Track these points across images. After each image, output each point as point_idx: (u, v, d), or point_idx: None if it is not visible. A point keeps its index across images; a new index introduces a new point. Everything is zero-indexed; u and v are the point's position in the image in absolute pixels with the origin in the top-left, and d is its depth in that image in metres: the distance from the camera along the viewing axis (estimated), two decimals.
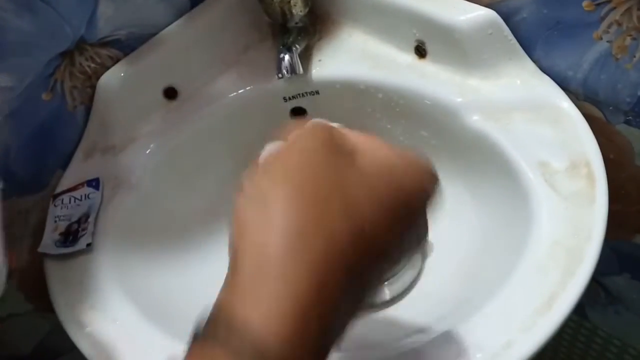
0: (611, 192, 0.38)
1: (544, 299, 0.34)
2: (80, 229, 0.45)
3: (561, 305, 0.33)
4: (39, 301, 0.56)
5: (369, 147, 0.25)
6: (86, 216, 0.46)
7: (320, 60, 0.52)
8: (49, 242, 0.45)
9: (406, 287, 0.46)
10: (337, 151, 0.24)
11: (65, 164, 0.51)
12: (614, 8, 0.39)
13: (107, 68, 0.51)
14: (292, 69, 0.48)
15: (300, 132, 0.24)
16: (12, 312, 0.55)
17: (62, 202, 0.48)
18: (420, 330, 0.39)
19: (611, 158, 0.46)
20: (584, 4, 0.40)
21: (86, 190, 0.48)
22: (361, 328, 0.45)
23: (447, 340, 0.33)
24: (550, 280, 0.34)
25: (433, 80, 0.47)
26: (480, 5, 0.45)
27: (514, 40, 0.45)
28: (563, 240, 0.36)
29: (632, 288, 0.57)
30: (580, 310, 0.65)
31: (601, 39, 0.41)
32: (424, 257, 0.48)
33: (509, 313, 0.34)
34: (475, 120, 0.44)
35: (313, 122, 0.24)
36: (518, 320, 0.33)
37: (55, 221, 0.46)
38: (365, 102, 0.51)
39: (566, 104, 0.43)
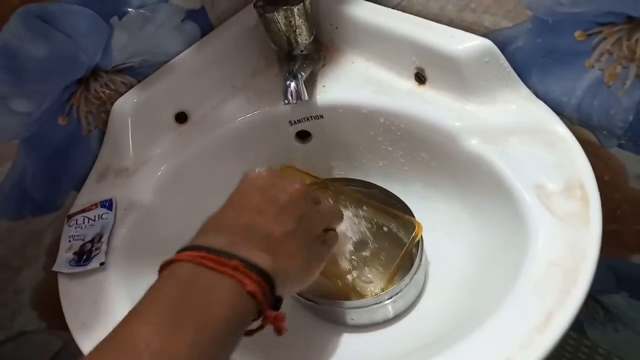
0: (607, 213, 0.39)
1: (542, 317, 0.35)
2: (93, 249, 0.46)
3: (558, 324, 0.34)
4: (52, 319, 0.57)
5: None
6: (99, 236, 0.47)
7: (324, 86, 0.54)
8: (63, 261, 0.46)
9: (408, 306, 0.47)
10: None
11: (79, 185, 0.53)
12: (605, 38, 0.41)
13: (121, 94, 0.53)
14: (298, 96, 0.50)
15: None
16: (24, 329, 0.56)
17: (76, 222, 0.49)
18: (422, 347, 0.40)
19: (606, 180, 0.47)
20: (576, 34, 0.42)
21: (100, 210, 0.49)
22: (365, 345, 0.46)
23: (448, 357, 0.34)
24: (547, 299, 0.35)
25: (432, 106, 0.49)
26: (477, 34, 0.47)
27: (510, 68, 0.47)
28: (559, 260, 0.37)
29: (630, 306, 0.58)
30: (579, 327, 0.66)
31: (593, 67, 0.43)
32: (426, 276, 0.49)
33: (508, 331, 0.35)
34: (474, 143, 0.45)
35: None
36: (517, 338, 0.34)
37: (70, 241, 0.48)
38: (368, 125, 0.53)
39: (561, 128, 0.44)
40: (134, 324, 0.28)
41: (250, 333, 0.32)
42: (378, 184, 0.53)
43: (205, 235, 0.34)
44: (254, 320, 0.31)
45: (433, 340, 0.40)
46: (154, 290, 0.30)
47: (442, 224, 0.51)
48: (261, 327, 0.32)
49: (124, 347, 0.27)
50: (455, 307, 0.44)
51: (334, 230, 0.42)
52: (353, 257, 0.49)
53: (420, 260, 0.45)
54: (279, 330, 0.32)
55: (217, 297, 0.29)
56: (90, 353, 0.27)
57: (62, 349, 0.59)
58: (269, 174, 0.38)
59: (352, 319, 0.46)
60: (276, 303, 0.32)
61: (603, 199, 0.40)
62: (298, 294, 0.46)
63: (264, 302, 0.31)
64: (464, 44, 0.46)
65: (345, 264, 0.49)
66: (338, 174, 0.60)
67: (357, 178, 0.55)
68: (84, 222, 0.49)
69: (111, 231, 0.47)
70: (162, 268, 0.32)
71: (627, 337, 0.61)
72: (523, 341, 0.34)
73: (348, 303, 0.45)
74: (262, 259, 0.31)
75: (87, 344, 0.41)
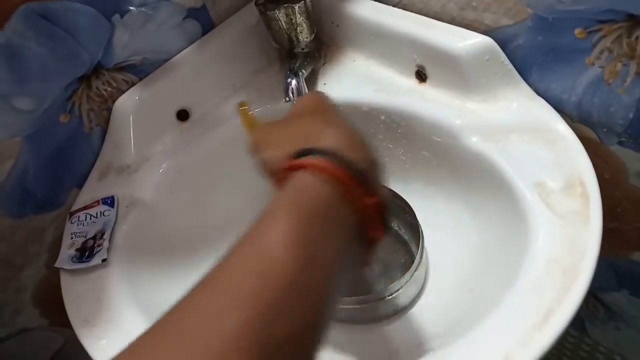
0: (607, 210, 0.39)
1: (540, 315, 0.35)
2: (95, 245, 0.47)
3: (557, 321, 0.34)
4: (54, 316, 0.57)
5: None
6: (101, 233, 0.47)
7: (325, 84, 0.55)
8: (65, 257, 0.47)
9: (408, 302, 0.47)
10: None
11: (81, 183, 0.53)
12: (605, 36, 0.41)
13: (123, 91, 0.53)
14: (299, 93, 0.50)
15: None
16: (26, 326, 0.56)
17: (78, 219, 0.49)
18: (422, 344, 0.40)
19: (606, 178, 0.47)
20: (577, 31, 0.42)
21: (101, 207, 0.49)
22: (364, 342, 0.46)
23: (447, 354, 0.34)
24: (546, 297, 0.35)
25: (433, 103, 0.49)
26: (478, 32, 0.47)
27: (511, 66, 0.47)
28: (559, 258, 0.37)
29: (631, 304, 0.58)
30: (580, 326, 0.66)
31: (593, 64, 0.43)
32: (427, 273, 0.49)
33: (507, 328, 0.35)
34: (475, 141, 0.45)
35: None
36: (516, 335, 0.34)
37: (72, 237, 0.48)
38: (368, 123, 0.53)
39: (561, 126, 0.44)
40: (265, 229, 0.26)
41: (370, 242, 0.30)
42: None
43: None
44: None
45: (433, 337, 0.40)
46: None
47: (442, 222, 0.51)
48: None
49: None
50: (455, 304, 0.44)
51: None
52: None
53: (421, 257, 0.46)
54: (380, 231, 0.30)
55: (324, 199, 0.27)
56: (233, 253, 0.25)
57: (63, 346, 0.60)
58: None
59: (352, 315, 0.46)
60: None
61: (603, 197, 0.40)
62: None
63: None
64: (465, 41, 0.46)
65: None
66: None
67: None
68: (86, 219, 0.49)
69: (113, 228, 0.48)
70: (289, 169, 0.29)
71: (628, 335, 0.61)
72: (522, 339, 0.34)
73: (348, 299, 0.45)
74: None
75: (89, 340, 0.41)
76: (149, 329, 0.23)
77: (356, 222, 0.28)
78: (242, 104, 0.49)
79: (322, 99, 0.38)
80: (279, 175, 0.30)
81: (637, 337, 0.61)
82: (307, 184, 0.28)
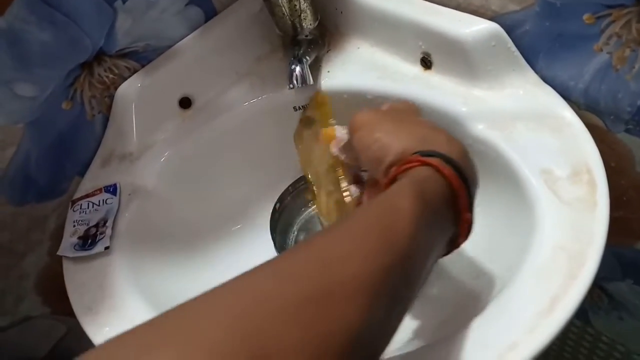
0: (613, 199, 0.39)
1: (547, 301, 0.34)
2: (98, 233, 0.46)
3: (563, 308, 0.34)
4: (56, 304, 0.57)
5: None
6: (104, 220, 0.47)
7: (329, 72, 0.54)
8: (67, 245, 0.46)
9: None
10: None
11: (83, 170, 0.53)
12: (614, 21, 0.40)
13: (125, 78, 0.53)
14: (303, 80, 0.50)
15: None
16: (29, 314, 0.56)
17: (81, 207, 0.49)
18: (427, 331, 0.40)
19: (612, 166, 0.47)
20: (585, 17, 0.41)
21: (104, 195, 0.49)
22: None
23: (453, 340, 0.34)
24: (552, 284, 0.35)
25: (439, 91, 0.48)
26: (484, 18, 0.46)
27: (517, 52, 0.46)
28: (565, 245, 0.37)
29: (635, 294, 0.58)
30: (583, 315, 0.66)
31: (601, 50, 0.42)
32: None
33: (513, 315, 0.35)
34: (480, 129, 0.45)
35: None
36: (522, 322, 0.34)
37: (74, 225, 0.48)
38: None
39: (568, 113, 0.44)
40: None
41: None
42: None
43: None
44: None
45: (438, 324, 0.40)
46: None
47: None
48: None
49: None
50: (460, 291, 0.44)
51: None
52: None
53: None
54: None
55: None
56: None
57: (66, 334, 0.60)
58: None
59: None
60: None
61: (609, 185, 0.39)
62: None
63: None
64: (471, 27, 0.45)
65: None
66: None
67: None
68: (88, 207, 0.49)
69: (116, 216, 0.48)
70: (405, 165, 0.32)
71: (631, 325, 0.61)
72: (528, 326, 0.34)
73: None
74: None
75: (92, 328, 0.41)
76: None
77: (453, 229, 0.31)
78: (321, 96, 0.51)
79: (417, 109, 0.40)
80: (399, 165, 0.32)
81: None
82: (429, 179, 0.30)
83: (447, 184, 0.30)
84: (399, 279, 0.25)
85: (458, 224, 0.31)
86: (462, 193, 0.31)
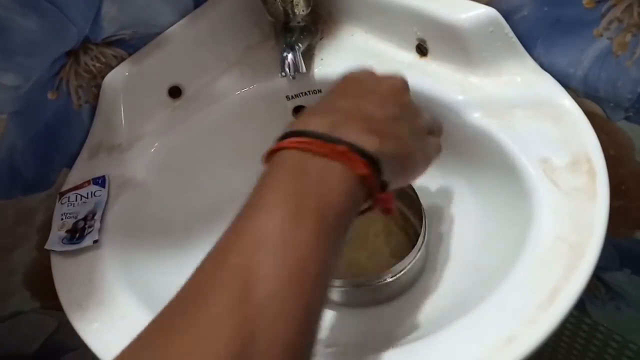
0: (612, 188, 0.38)
1: (546, 293, 0.34)
2: (86, 226, 0.45)
3: (563, 300, 0.34)
4: (45, 299, 0.56)
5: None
6: (93, 213, 0.46)
7: (322, 59, 0.53)
8: (55, 239, 0.45)
9: (411, 281, 0.46)
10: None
11: (71, 162, 0.52)
12: (615, 5, 0.39)
13: (112, 67, 0.51)
14: (295, 68, 0.49)
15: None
16: (18, 309, 0.55)
17: (69, 200, 0.48)
18: (425, 323, 0.40)
19: (611, 154, 0.46)
20: (585, 1, 0.40)
21: (92, 188, 0.48)
22: (367, 321, 0.45)
23: (451, 333, 0.34)
24: (552, 275, 0.35)
25: (434, 78, 0.47)
26: (481, 3, 0.45)
27: (515, 38, 0.45)
28: (565, 235, 0.36)
29: (632, 284, 0.58)
30: (580, 306, 0.66)
31: (601, 36, 0.41)
32: (429, 253, 0.48)
33: (512, 307, 0.34)
34: (477, 117, 0.44)
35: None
36: (521, 315, 0.33)
37: (62, 219, 0.47)
38: None
39: (567, 101, 0.43)
40: (257, 216, 0.27)
41: (360, 213, 0.31)
42: None
43: (306, 120, 0.31)
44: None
45: (436, 317, 0.40)
46: (268, 180, 0.28)
47: (445, 201, 0.50)
48: (369, 208, 0.31)
49: (252, 239, 0.26)
50: (458, 283, 0.44)
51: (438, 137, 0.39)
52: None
53: (424, 238, 0.45)
54: (387, 211, 0.31)
55: (331, 184, 0.28)
56: (218, 248, 0.27)
57: (57, 329, 0.59)
58: (369, 71, 0.37)
59: (355, 296, 0.45)
60: (383, 187, 0.31)
61: (608, 174, 0.39)
62: None
63: (374, 186, 0.29)
64: (468, 13, 0.44)
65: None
66: None
67: None
68: (76, 200, 0.48)
69: (104, 209, 0.46)
70: (268, 157, 0.30)
71: (628, 314, 0.61)
72: (527, 317, 0.33)
73: (350, 280, 0.44)
74: (367, 142, 0.29)
75: (81, 323, 0.40)
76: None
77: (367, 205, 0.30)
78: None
79: (401, 87, 0.36)
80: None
81: (637, 316, 0.60)
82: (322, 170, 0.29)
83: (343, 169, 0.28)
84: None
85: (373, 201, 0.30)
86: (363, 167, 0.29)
